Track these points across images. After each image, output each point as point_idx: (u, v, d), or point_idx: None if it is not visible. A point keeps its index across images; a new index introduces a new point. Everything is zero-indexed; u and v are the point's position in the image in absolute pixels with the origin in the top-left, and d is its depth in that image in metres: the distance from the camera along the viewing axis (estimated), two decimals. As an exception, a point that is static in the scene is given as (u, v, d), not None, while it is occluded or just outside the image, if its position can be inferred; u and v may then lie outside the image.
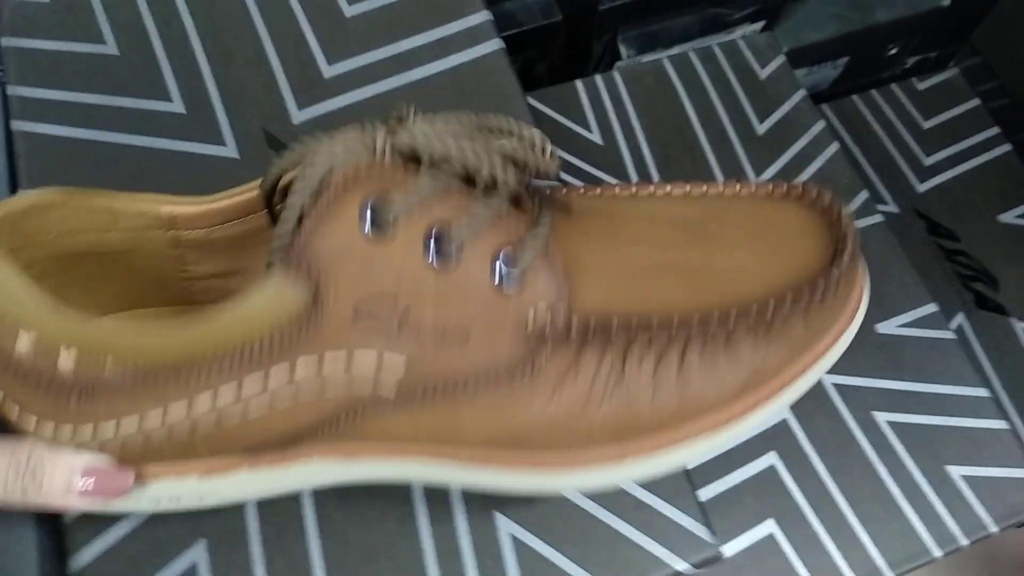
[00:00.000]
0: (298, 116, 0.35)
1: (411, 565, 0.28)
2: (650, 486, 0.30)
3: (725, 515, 0.41)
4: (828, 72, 0.89)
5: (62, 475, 0.24)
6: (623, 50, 0.73)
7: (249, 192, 0.26)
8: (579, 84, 0.51)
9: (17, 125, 0.34)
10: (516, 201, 0.26)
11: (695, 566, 0.29)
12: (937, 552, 0.41)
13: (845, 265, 0.27)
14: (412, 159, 0.24)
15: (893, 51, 0.91)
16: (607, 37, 0.72)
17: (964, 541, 0.42)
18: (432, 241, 0.23)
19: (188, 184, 0.34)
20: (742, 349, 0.26)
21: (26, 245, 0.24)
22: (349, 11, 0.37)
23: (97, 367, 0.23)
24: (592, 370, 0.25)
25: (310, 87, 0.36)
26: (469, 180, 0.24)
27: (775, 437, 0.43)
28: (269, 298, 0.23)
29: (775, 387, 0.27)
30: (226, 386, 0.23)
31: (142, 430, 0.24)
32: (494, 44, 0.37)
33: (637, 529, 0.29)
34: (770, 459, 0.42)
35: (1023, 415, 0.56)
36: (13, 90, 0.35)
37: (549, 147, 0.26)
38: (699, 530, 0.29)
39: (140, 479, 0.25)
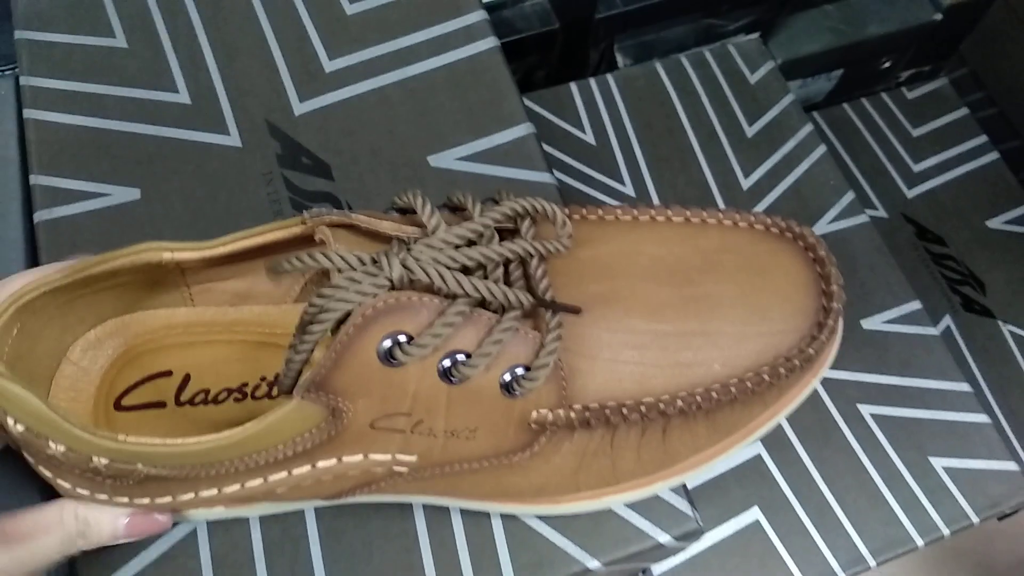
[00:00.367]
0: (299, 108, 0.36)
1: (402, 538, 0.29)
2: (634, 461, 0.31)
3: (711, 502, 0.42)
4: (823, 84, 0.91)
5: (109, 524, 0.26)
6: (619, 59, 0.75)
7: (246, 240, 0.27)
8: (573, 86, 0.52)
9: (29, 113, 0.35)
10: (529, 312, 0.27)
11: (676, 539, 0.30)
12: (919, 541, 0.42)
13: (829, 331, 0.28)
14: (428, 288, 0.25)
15: (887, 64, 0.93)
16: (604, 46, 0.73)
17: (946, 531, 0.42)
18: (446, 368, 0.25)
19: (192, 171, 0.35)
20: (721, 415, 0.27)
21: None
22: (350, 9, 0.39)
23: (129, 466, 0.24)
24: (584, 444, 0.27)
25: (311, 80, 0.37)
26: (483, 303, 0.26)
27: (761, 428, 0.44)
28: (291, 417, 0.25)
29: (746, 433, 0.29)
30: (253, 480, 0.26)
31: (175, 503, 0.26)
32: (490, 42, 0.38)
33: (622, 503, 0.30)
34: (756, 449, 0.43)
35: (1009, 414, 0.57)
36: (26, 80, 0.36)
37: (562, 217, 0.27)
38: (681, 505, 0.30)
39: (176, 513, 0.28)
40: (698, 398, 0.26)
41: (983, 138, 0.66)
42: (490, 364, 0.25)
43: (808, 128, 0.52)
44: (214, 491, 0.27)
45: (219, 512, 0.28)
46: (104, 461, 0.24)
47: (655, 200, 0.49)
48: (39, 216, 0.33)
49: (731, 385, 0.27)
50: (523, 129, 0.37)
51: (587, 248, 0.28)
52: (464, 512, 0.29)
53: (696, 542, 0.40)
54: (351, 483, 0.27)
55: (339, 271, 0.24)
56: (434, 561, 0.29)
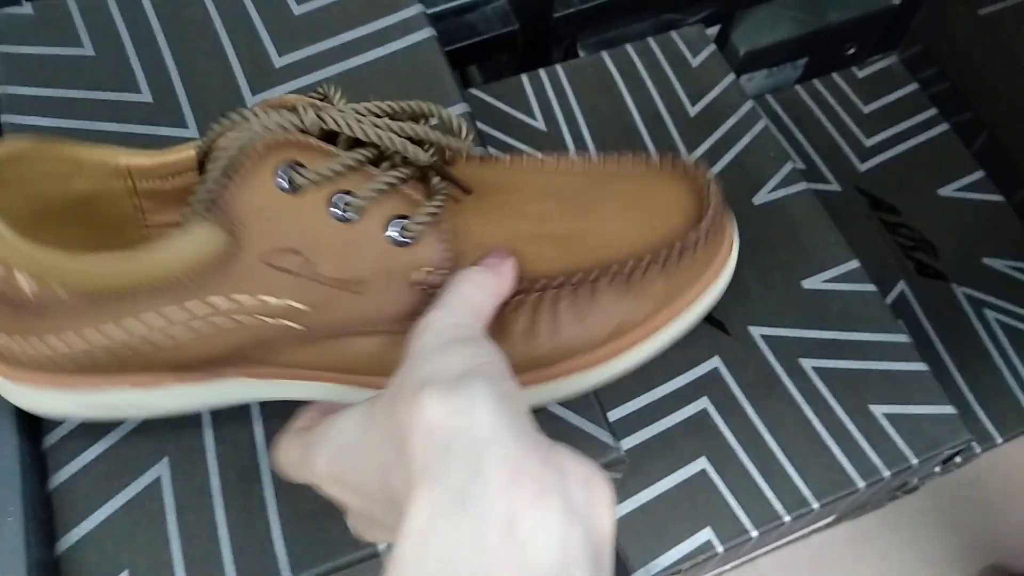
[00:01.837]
0: (251, 101, 0.40)
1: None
2: (562, 402, 0.33)
3: (660, 455, 0.45)
4: (789, 73, 0.93)
5: None
6: (582, 55, 0.78)
7: (195, 148, 0.30)
8: (524, 77, 0.55)
9: (7, 118, 0.39)
10: (423, 178, 0.30)
11: (603, 466, 0.32)
12: (861, 483, 0.45)
13: (704, 229, 0.31)
14: (332, 137, 0.28)
15: (851, 51, 0.95)
16: (566, 44, 0.76)
17: (886, 472, 0.45)
18: (335, 202, 0.27)
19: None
20: (607, 302, 0.30)
21: (2, 189, 0.29)
22: (298, 10, 0.42)
23: (49, 290, 0.27)
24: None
25: (262, 75, 0.40)
26: (383, 159, 0.29)
27: (707, 384, 0.46)
28: (190, 242, 0.27)
29: (640, 335, 0.31)
30: (149, 314, 0.28)
31: (86, 345, 0.28)
32: (426, 33, 0.42)
33: (548, 434, 0.33)
34: (702, 404, 0.46)
35: (963, 371, 0.59)
36: (3, 89, 0.40)
37: (464, 126, 0.30)
38: (604, 436, 0.33)
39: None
40: (580, 274, 0.29)
41: (932, 111, 0.69)
42: (374, 207, 0.28)
43: (749, 105, 0.55)
44: (117, 330, 0.27)
45: (128, 395, 0.29)
46: (29, 287, 0.26)
47: (603, 179, 0.51)
48: (16, 208, 0.36)
49: (611, 265, 0.30)
50: (458, 108, 0.40)
51: (489, 177, 0.32)
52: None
53: (646, 489, 0.43)
54: (244, 337, 0.28)
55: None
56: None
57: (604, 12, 0.73)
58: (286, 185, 0.27)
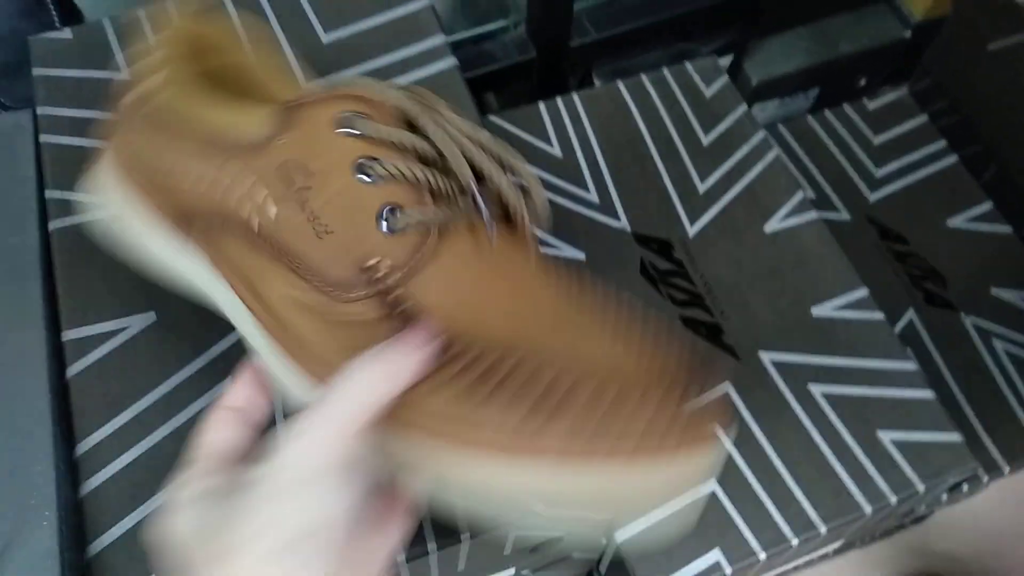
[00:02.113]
0: (280, 125, 0.41)
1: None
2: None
3: (671, 476, 0.45)
4: (801, 103, 0.95)
5: None
6: (597, 84, 0.79)
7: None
8: (541, 105, 0.57)
9: (45, 138, 0.40)
10: (455, 199, 0.29)
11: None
12: (867, 508, 0.45)
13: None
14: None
15: (862, 82, 0.97)
16: (581, 72, 0.78)
17: (893, 498, 0.45)
18: (361, 164, 0.29)
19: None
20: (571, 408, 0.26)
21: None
22: (326, 38, 0.44)
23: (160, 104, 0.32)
24: (379, 336, 0.28)
25: (291, 101, 0.42)
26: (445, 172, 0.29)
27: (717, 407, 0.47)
28: (254, 118, 0.30)
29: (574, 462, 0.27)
30: (197, 160, 0.31)
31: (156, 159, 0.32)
32: (449, 62, 0.43)
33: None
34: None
35: (971, 401, 0.60)
36: (42, 110, 0.41)
37: (541, 199, 0.30)
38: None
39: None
40: (523, 352, 0.27)
41: (942, 143, 0.70)
42: (388, 186, 0.28)
43: (761, 135, 0.56)
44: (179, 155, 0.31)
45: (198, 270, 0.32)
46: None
47: (618, 206, 0.53)
48: (53, 224, 0.38)
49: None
50: (479, 136, 0.41)
51: (516, 257, 0.31)
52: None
53: (657, 510, 0.44)
54: (220, 205, 0.30)
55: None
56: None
57: (619, 42, 0.75)
58: (341, 124, 0.29)
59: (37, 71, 0.42)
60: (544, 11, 0.68)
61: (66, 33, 0.44)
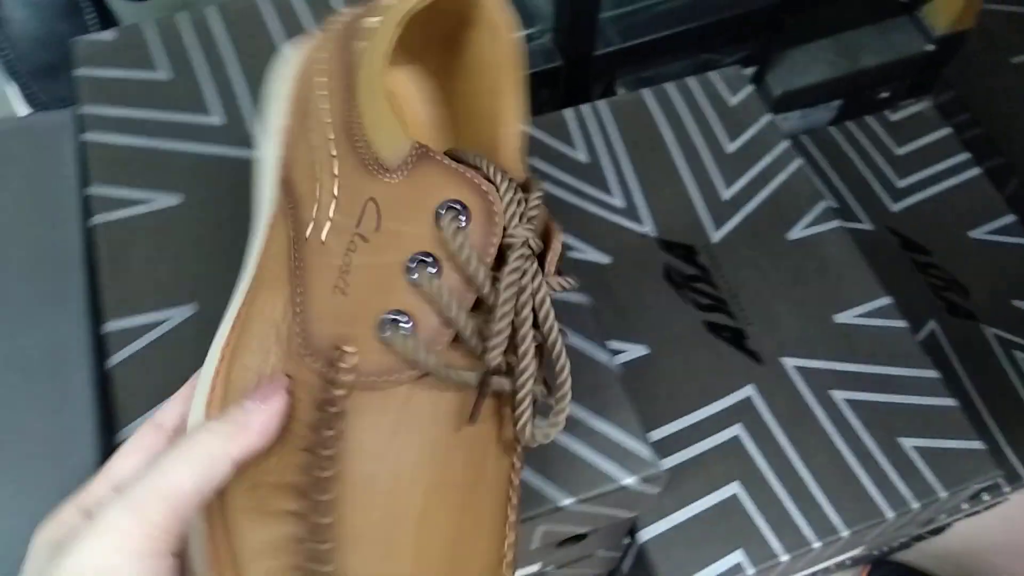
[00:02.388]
0: (316, 126, 0.42)
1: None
2: (602, 415, 0.35)
3: (694, 478, 0.46)
4: (823, 115, 0.95)
5: None
6: (621, 91, 0.80)
7: None
8: (568, 112, 0.57)
9: (87, 136, 0.41)
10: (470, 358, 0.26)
11: (641, 480, 0.34)
12: (890, 513, 0.45)
13: None
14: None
15: (885, 94, 0.97)
16: (605, 81, 0.79)
17: (915, 504, 0.46)
18: (419, 259, 0.26)
19: (227, 182, 0.40)
20: None
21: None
22: (360, 42, 0.45)
23: None
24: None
25: (326, 102, 0.43)
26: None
27: (740, 412, 0.48)
28: (397, 135, 0.27)
29: None
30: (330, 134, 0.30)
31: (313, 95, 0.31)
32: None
33: (591, 449, 0.34)
34: (735, 430, 0.47)
35: (993, 411, 0.60)
36: (85, 109, 0.42)
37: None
38: (643, 452, 0.34)
39: None
40: None
41: (965, 155, 0.70)
42: (419, 287, 0.25)
43: (785, 145, 0.56)
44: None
45: None
46: None
47: (642, 211, 0.53)
48: (96, 219, 0.39)
49: None
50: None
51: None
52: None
53: (680, 511, 0.44)
54: (307, 188, 0.29)
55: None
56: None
57: (644, 51, 0.75)
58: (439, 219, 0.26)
59: (80, 71, 0.43)
60: (570, 20, 0.68)
61: (108, 35, 0.45)
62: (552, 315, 0.26)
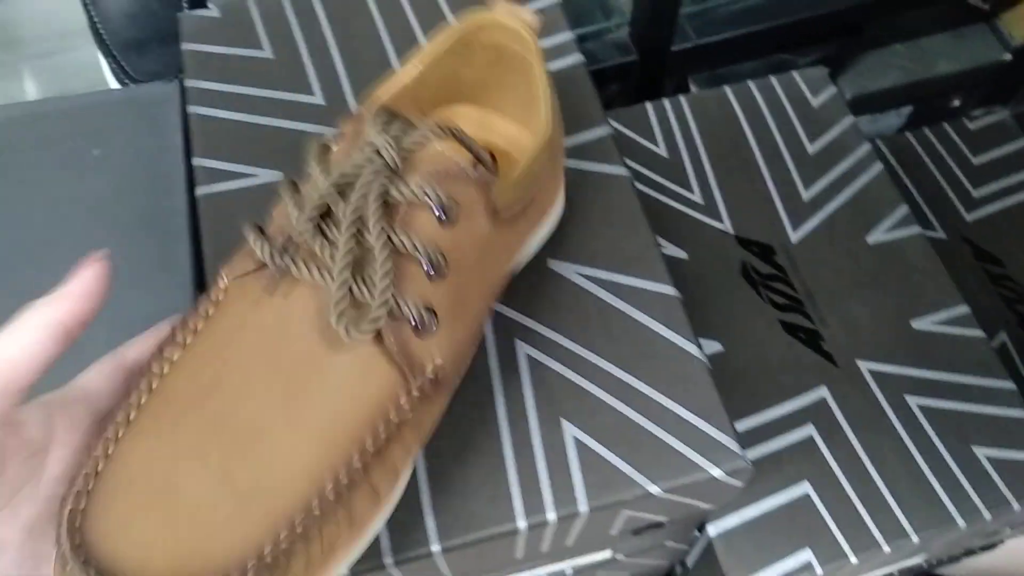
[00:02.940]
0: (414, 109, 0.43)
1: (492, 457, 0.34)
2: (690, 406, 0.35)
3: (766, 475, 0.46)
4: (892, 121, 0.95)
5: None
6: (693, 89, 0.80)
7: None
8: (648, 106, 0.58)
9: (192, 109, 0.43)
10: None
11: (727, 473, 0.34)
12: (961, 522, 0.45)
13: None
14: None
15: (956, 103, 0.96)
16: (679, 76, 0.79)
17: (987, 515, 0.46)
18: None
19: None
20: None
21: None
22: (458, 28, 0.45)
23: None
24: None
25: (424, 86, 0.43)
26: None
27: (814, 412, 0.48)
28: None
29: None
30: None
31: None
32: (576, 58, 0.45)
33: (679, 440, 0.35)
34: (808, 430, 0.47)
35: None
36: (190, 83, 0.44)
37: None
38: (731, 444, 0.35)
39: None
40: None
41: (1043, 167, 0.69)
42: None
43: (866, 148, 0.56)
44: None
45: None
46: None
47: (721, 208, 0.53)
48: (200, 191, 0.40)
49: None
50: (603, 130, 0.43)
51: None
52: (544, 437, 0.35)
53: (749, 506, 0.45)
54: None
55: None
56: (519, 480, 0.34)
57: (720, 49, 0.75)
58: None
59: (186, 45, 0.45)
60: (650, 15, 0.69)
61: (214, 11, 0.46)
62: (379, 218, 0.28)
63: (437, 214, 0.29)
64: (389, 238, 0.28)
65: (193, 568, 0.24)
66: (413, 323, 0.28)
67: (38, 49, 0.83)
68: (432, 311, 0.29)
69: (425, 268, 0.29)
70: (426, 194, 0.29)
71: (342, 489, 0.26)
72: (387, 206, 0.29)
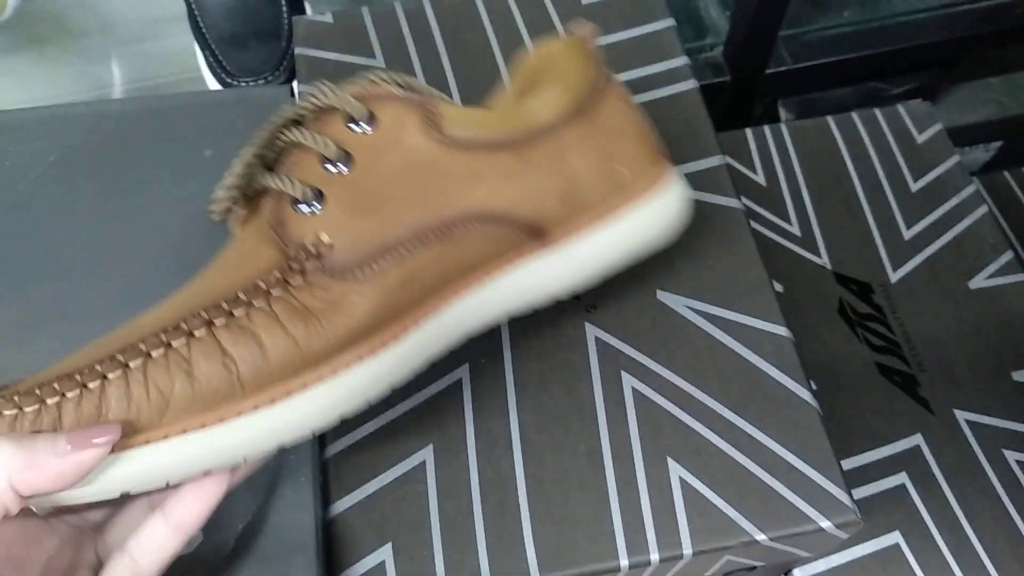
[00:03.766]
0: (524, 127, 0.43)
1: (595, 491, 0.34)
2: (801, 454, 0.34)
3: (854, 521, 0.45)
4: (979, 155, 0.92)
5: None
6: (782, 113, 0.79)
7: None
8: (748, 132, 0.57)
9: (304, 114, 0.43)
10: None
11: (836, 526, 0.33)
12: (1057, 586, 0.44)
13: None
14: None
15: (1048, 140, 0.93)
16: (768, 100, 0.78)
17: (1085, 580, 0.44)
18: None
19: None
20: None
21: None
22: (571, 47, 0.45)
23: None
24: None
25: (536, 104, 0.43)
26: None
27: (907, 460, 0.46)
28: None
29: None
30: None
31: None
32: (690, 84, 0.44)
33: (788, 488, 0.34)
34: (901, 478, 0.46)
35: None
36: (302, 87, 0.44)
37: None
38: (842, 496, 0.34)
39: None
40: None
41: None
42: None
43: (972, 189, 0.55)
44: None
45: None
46: None
47: (819, 242, 0.52)
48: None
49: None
50: (716, 160, 0.42)
51: None
52: (649, 474, 0.34)
53: (838, 553, 0.44)
54: None
55: None
56: (622, 517, 0.33)
57: (815, 74, 0.74)
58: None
59: (299, 50, 0.45)
60: (748, 35, 0.67)
61: (327, 17, 0.46)
62: (293, 119, 0.32)
63: (345, 120, 0.31)
64: (298, 131, 0.31)
65: None
66: (292, 197, 0.30)
67: (129, 35, 0.84)
68: (319, 192, 0.30)
69: (319, 156, 0.30)
70: (337, 96, 0.31)
71: (180, 337, 0.27)
72: (320, 112, 0.32)
